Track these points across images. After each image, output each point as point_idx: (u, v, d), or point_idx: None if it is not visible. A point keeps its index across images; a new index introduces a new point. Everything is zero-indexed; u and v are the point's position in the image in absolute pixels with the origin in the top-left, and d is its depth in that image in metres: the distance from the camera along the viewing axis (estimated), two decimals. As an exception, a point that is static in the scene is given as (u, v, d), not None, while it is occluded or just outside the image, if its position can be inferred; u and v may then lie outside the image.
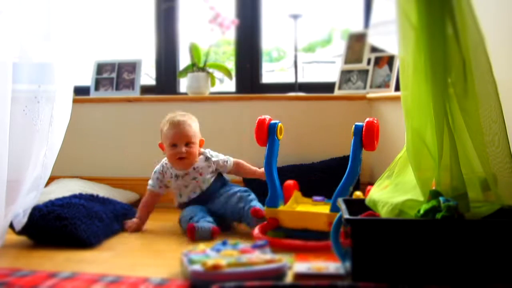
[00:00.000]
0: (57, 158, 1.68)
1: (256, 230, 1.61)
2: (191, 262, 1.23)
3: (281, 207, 1.69)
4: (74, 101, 1.75)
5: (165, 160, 1.91)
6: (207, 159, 1.89)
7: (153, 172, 1.92)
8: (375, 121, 1.63)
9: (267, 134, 1.75)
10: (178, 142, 1.83)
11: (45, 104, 1.60)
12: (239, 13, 2.55)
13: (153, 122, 2.39)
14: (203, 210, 1.81)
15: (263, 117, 1.78)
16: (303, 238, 1.57)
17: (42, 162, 1.62)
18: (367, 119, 1.63)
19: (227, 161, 1.92)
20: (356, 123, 1.64)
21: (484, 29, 1.11)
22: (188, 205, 1.86)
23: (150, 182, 1.92)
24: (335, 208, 1.57)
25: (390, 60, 2.31)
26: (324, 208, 1.73)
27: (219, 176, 1.92)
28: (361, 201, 1.33)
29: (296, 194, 1.81)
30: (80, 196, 1.88)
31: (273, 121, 1.77)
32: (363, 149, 1.63)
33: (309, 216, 1.64)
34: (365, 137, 1.60)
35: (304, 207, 1.74)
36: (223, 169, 1.92)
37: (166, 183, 1.91)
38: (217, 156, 1.91)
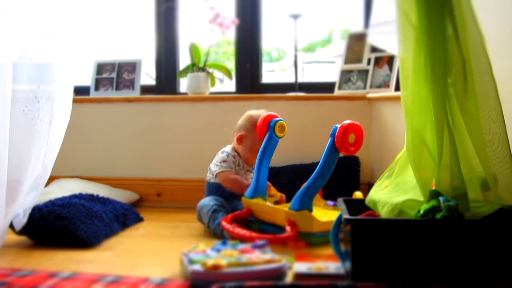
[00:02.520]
0: (57, 158, 1.68)
1: (227, 217, 1.68)
2: (191, 262, 1.23)
3: (256, 200, 1.72)
4: (74, 101, 1.75)
5: (231, 148, 1.95)
6: None
7: (226, 155, 1.91)
8: (355, 123, 1.56)
9: (267, 129, 1.80)
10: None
11: (45, 104, 1.60)
12: (239, 13, 2.54)
13: (153, 122, 2.40)
14: (223, 205, 1.84)
15: (268, 113, 1.84)
16: (270, 231, 1.65)
17: (42, 162, 1.62)
18: (344, 122, 1.57)
19: None
20: (335, 125, 1.59)
21: (484, 29, 1.11)
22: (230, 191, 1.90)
23: (225, 164, 1.89)
24: (293, 207, 1.59)
25: (390, 60, 2.31)
26: (332, 214, 1.73)
27: None
28: (361, 201, 1.33)
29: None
30: (80, 196, 1.89)
31: (275, 118, 1.80)
32: (338, 152, 1.57)
33: (270, 211, 1.69)
34: (338, 140, 1.54)
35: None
36: None
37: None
38: None
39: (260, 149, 1.79)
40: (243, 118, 1.96)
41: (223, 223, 1.66)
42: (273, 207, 1.71)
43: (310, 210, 1.58)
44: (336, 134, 1.55)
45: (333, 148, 1.57)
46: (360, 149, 1.58)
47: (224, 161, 1.89)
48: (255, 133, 1.86)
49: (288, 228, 1.56)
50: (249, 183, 1.84)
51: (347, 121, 1.57)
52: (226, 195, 1.89)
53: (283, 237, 1.53)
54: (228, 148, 1.95)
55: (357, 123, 1.57)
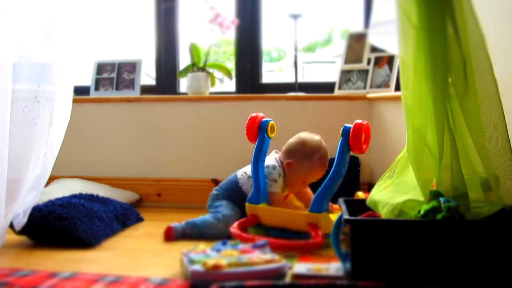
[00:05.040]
0: (57, 158, 1.68)
1: (234, 226, 1.62)
2: (192, 262, 1.23)
3: (263, 205, 1.68)
4: (74, 101, 1.75)
5: (279, 165, 1.78)
6: None
7: (278, 174, 1.75)
8: (364, 123, 1.58)
9: (258, 131, 1.75)
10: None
11: (45, 104, 1.60)
12: (239, 13, 2.54)
13: (153, 122, 2.40)
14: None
15: (255, 114, 1.77)
16: (283, 237, 1.57)
17: (42, 162, 1.62)
18: (356, 121, 1.59)
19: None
20: (345, 125, 1.60)
21: (485, 28, 1.11)
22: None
23: (277, 185, 1.74)
24: (314, 209, 1.57)
25: (390, 60, 2.31)
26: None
27: None
28: (362, 202, 1.33)
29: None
30: (80, 196, 1.89)
31: (264, 119, 1.76)
32: (350, 151, 1.58)
33: (287, 216, 1.64)
34: (352, 139, 1.56)
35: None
36: None
37: None
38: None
39: (254, 152, 1.73)
40: (297, 143, 1.79)
41: (235, 231, 1.59)
42: (290, 211, 1.65)
43: (328, 211, 1.58)
44: (351, 134, 1.56)
45: (346, 148, 1.58)
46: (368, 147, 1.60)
47: (275, 181, 1.74)
48: (306, 163, 1.74)
49: (312, 233, 1.52)
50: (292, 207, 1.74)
51: (359, 121, 1.58)
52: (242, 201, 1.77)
53: (314, 243, 1.48)
54: (278, 164, 1.78)
55: (366, 122, 1.59)
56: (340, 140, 1.59)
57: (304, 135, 1.80)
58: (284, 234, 1.60)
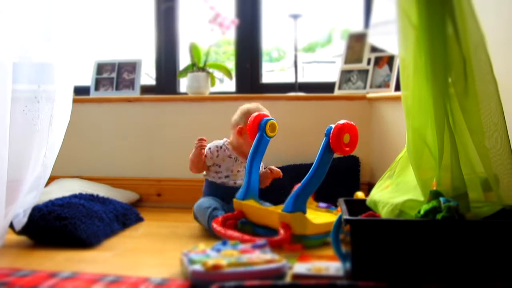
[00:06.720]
0: (57, 158, 1.68)
1: (217, 221, 1.66)
2: (191, 262, 1.23)
3: (247, 201, 1.71)
4: (74, 101, 1.75)
5: (227, 141, 1.94)
6: None
7: (212, 144, 1.93)
8: (349, 124, 1.55)
9: (257, 129, 1.77)
10: None
11: (45, 104, 1.60)
12: (239, 13, 2.54)
13: (153, 122, 2.40)
14: (222, 205, 1.82)
15: (260, 112, 1.82)
16: (265, 234, 1.60)
17: (42, 162, 1.62)
18: (338, 122, 1.56)
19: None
20: (330, 125, 1.58)
21: (485, 28, 1.11)
22: (227, 190, 1.86)
23: (203, 151, 1.90)
24: (286, 209, 1.58)
25: (390, 60, 2.31)
26: (325, 215, 1.72)
27: None
28: (362, 202, 1.33)
29: None
30: (80, 196, 1.89)
31: (265, 118, 1.78)
32: (333, 152, 1.57)
33: (263, 213, 1.67)
34: (332, 140, 1.54)
35: None
36: None
37: (215, 160, 1.91)
38: None
39: (251, 150, 1.77)
40: (241, 113, 1.94)
41: (214, 225, 1.65)
42: (265, 209, 1.68)
43: (304, 212, 1.57)
44: (331, 134, 1.55)
45: (327, 148, 1.56)
46: (355, 149, 1.58)
47: (208, 148, 1.90)
48: None
49: (281, 231, 1.54)
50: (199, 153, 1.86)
51: (342, 121, 1.56)
52: (223, 195, 1.87)
53: (276, 240, 1.50)
54: (220, 141, 1.94)
55: (352, 123, 1.57)
56: (323, 140, 1.58)
57: (246, 105, 1.95)
58: (266, 231, 1.63)
